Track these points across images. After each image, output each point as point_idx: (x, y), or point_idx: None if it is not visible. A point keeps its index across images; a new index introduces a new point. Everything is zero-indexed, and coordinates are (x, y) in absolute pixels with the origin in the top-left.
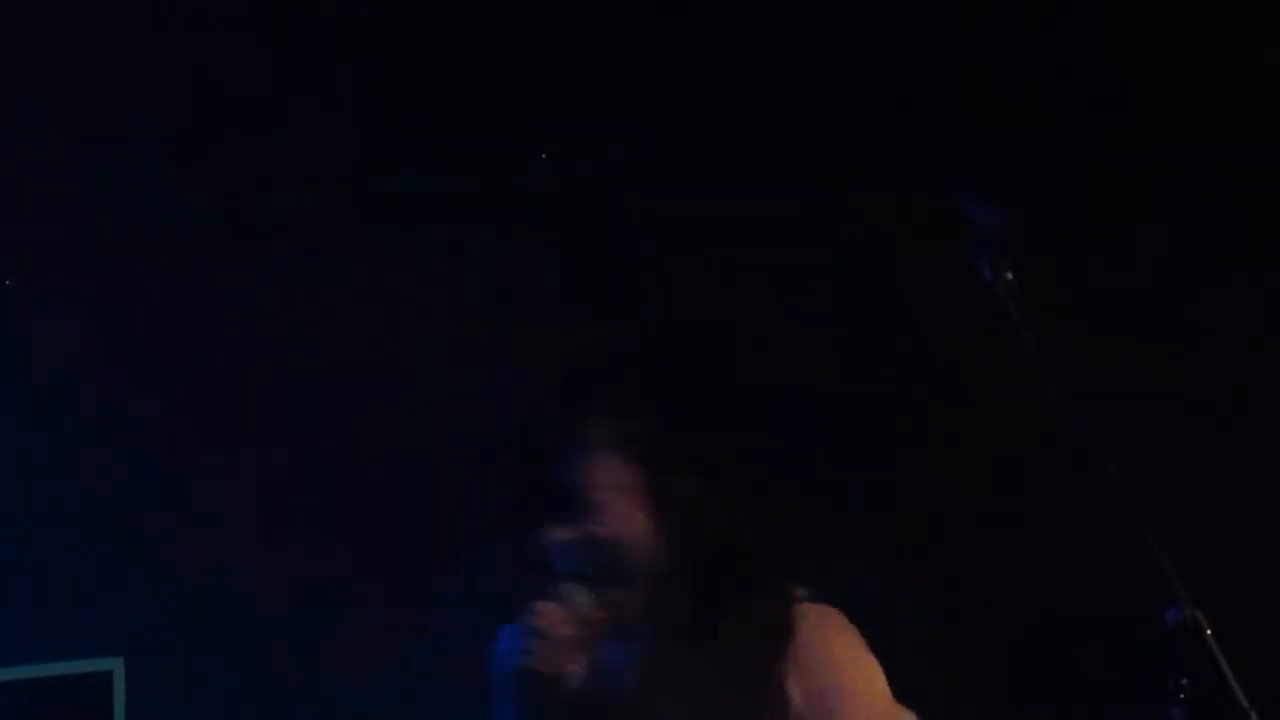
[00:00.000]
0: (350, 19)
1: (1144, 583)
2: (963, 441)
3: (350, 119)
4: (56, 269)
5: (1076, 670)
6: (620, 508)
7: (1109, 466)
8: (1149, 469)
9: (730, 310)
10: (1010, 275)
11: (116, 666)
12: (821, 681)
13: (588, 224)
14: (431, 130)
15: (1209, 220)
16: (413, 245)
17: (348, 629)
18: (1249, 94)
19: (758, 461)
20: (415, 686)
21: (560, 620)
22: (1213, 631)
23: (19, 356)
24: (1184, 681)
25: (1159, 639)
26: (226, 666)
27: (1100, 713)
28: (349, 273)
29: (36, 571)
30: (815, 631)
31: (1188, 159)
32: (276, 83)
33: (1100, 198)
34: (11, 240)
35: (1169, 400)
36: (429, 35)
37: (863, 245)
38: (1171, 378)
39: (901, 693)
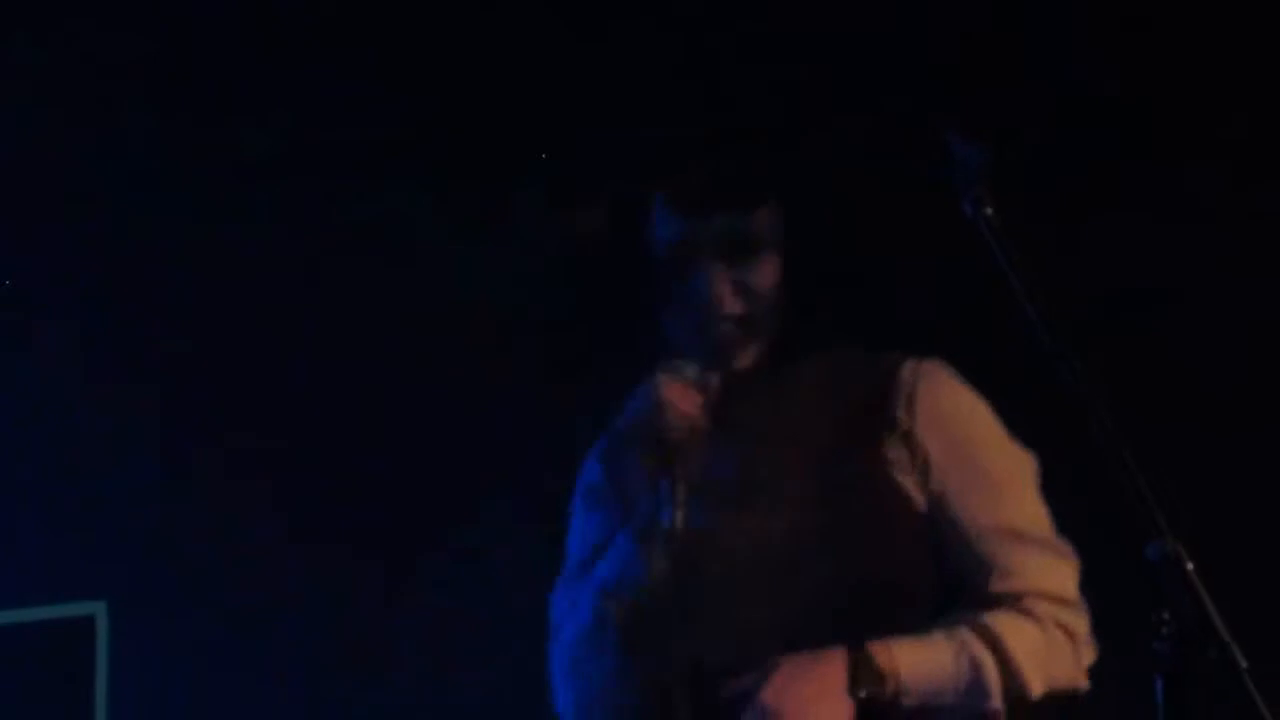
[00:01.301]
0: (350, 19)
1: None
2: None
3: (350, 118)
4: (56, 269)
5: None
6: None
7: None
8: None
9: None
10: (990, 211)
11: (99, 611)
12: (955, 432)
13: (589, 224)
14: (431, 130)
15: (1209, 220)
16: (412, 245)
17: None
18: (1249, 94)
19: None
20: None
21: (680, 391)
22: (1194, 566)
23: (19, 356)
24: (1166, 616)
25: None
26: (211, 610)
27: None
28: (349, 271)
29: (16, 512)
30: (934, 384)
31: (1187, 159)
32: (275, 81)
33: (1100, 197)
34: (11, 240)
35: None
36: (429, 35)
37: (862, 244)
38: (1171, 378)
39: None
